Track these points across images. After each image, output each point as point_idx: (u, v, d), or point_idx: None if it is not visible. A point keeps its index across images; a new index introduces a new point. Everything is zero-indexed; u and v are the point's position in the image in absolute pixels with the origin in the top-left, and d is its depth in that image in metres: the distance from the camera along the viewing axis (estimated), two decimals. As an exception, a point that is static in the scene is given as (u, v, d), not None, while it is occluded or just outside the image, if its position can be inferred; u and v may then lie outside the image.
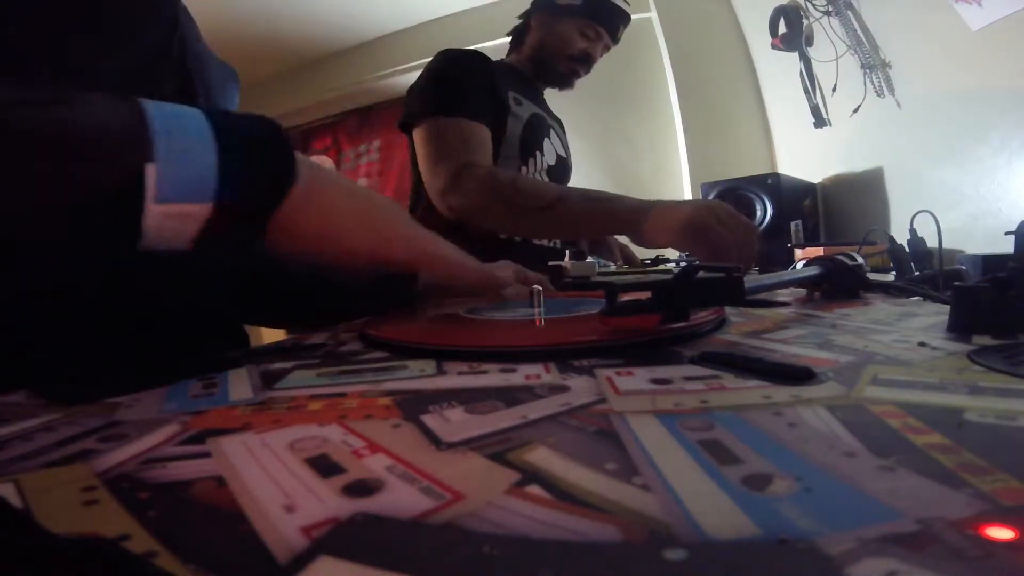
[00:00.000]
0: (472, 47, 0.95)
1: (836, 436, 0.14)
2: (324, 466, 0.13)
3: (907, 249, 0.77)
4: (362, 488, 0.12)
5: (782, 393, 0.18)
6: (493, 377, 0.22)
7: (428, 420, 0.17)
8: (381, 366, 0.25)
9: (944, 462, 0.12)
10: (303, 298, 0.51)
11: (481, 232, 0.81)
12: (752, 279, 0.34)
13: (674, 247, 0.69)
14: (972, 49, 1.23)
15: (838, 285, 0.46)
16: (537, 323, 0.33)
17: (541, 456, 0.13)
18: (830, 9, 1.55)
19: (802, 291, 0.49)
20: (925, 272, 0.64)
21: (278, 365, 0.26)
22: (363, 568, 0.09)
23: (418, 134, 0.84)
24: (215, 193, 0.24)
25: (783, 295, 0.48)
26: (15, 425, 0.18)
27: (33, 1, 0.30)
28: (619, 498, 0.11)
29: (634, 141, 2.11)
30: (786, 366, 0.21)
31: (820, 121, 1.68)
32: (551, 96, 1.09)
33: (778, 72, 1.80)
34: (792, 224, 1.49)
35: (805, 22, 1.64)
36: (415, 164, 0.88)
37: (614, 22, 1.00)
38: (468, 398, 0.19)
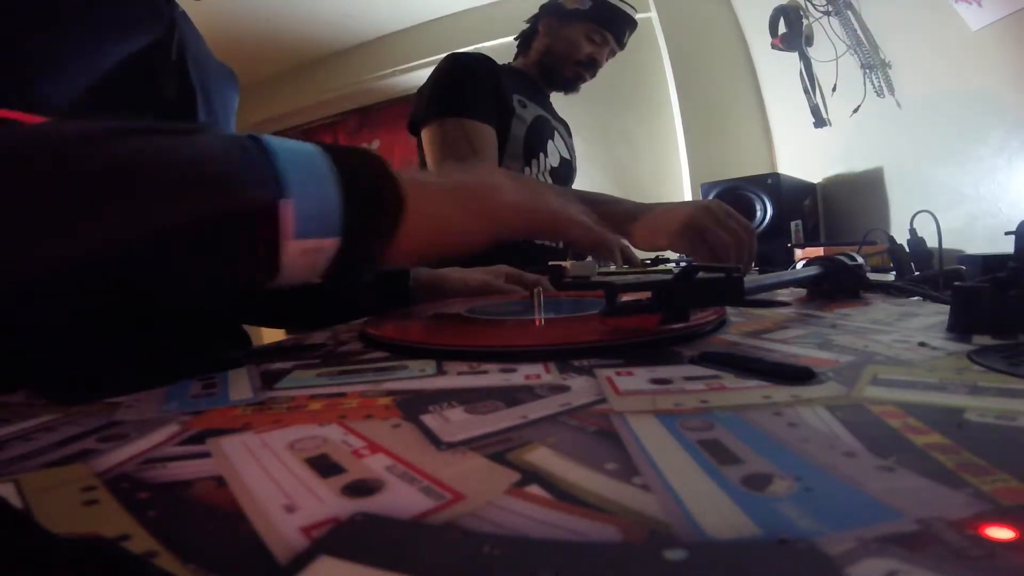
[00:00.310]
0: (473, 47, 0.97)
1: (836, 436, 0.14)
2: (324, 466, 0.13)
3: (907, 249, 0.77)
4: (362, 488, 0.12)
5: (782, 393, 0.18)
6: (493, 377, 0.22)
7: (428, 420, 0.17)
8: (381, 366, 0.25)
9: (944, 462, 0.12)
10: (302, 299, 0.51)
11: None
12: (752, 279, 0.34)
13: (672, 249, 0.69)
14: (972, 49, 1.23)
15: (838, 285, 0.45)
16: (537, 323, 0.33)
17: (541, 456, 0.13)
18: (830, 9, 1.55)
19: (802, 291, 0.49)
20: (925, 272, 0.64)
21: (278, 365, 0.26)
22: (363, 568, 0.09)
23: (425, 135, 0.87)
24: (340, 226, 0.25)
25: (783, 295, 0.48)
26: (15, 425, 0.18)
27: (33, 1, 0.30)
28: (619, 498, 0.11)
29: (634, 141, 2.11)
30: (786, 366, 0.21)
31: (820, 121, 1.68)
32: (554, 98, 1.10)
33: (778, 72, 1.80)
34: (792, 224, 1.49)
35: (805, 22, 1.64)
36: (424, 165, 0.91)
37: (621, 28, 1.02)
38: (468, 398, 0.19)
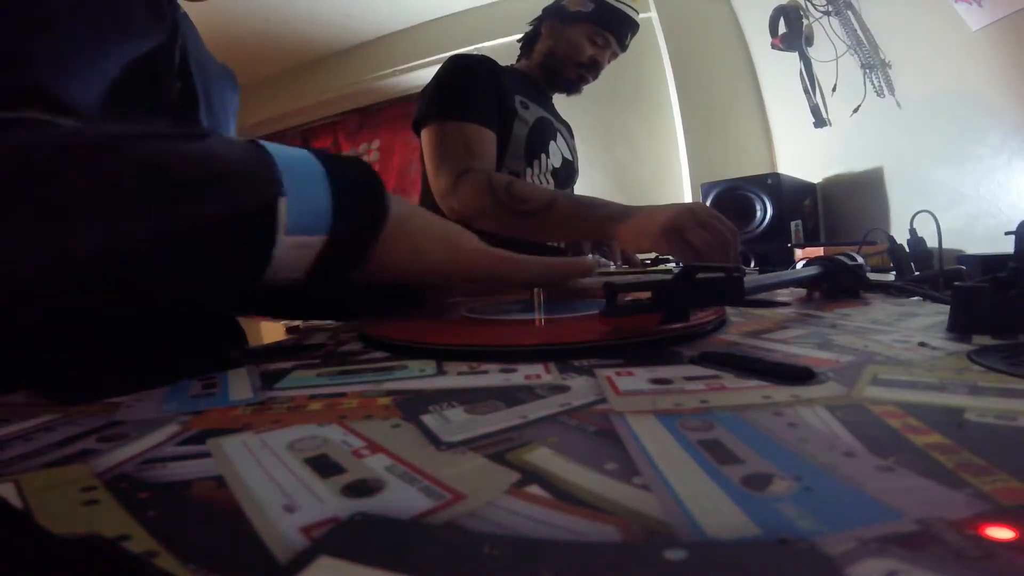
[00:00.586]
0: (473, 47, 0.98)
1: (836, 436, 0.14)
2: (324, 466, 0.13)
3: (907, 249, 0.77)
4: (362, 488, 0.12)
5: (782, 393, 0.18)
6: (493, 377, 0.22)
7: (428, 420, 0.17)
8: (381, 366, 0.25)
9: (944, 462, 0.12)
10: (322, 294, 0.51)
11: (485, 232, 0.83)
12: (752, 279, 0.34)
13: (655, 250, 0.70)
14: (972, 49, 1.23)
15: (838, 285, 0.46)
16: (537, 323, 0.33)
17: (541, 456, 0.13)
18: (830, 9, 1.55)
19: (802, 291, 0.49)
20: (925, 272, 0.64)
21: (278, 365, 0.26)
22: (363, 568, 0.09)
23: (425, 136, 0.88)
24: (330, 226, 0.27)
25: (783, 295, 0.48)
26: (15, 425, 0.18)
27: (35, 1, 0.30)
28: (619, 498, 0.11)
29: (634, 141, 2.11)
30: (786, 366, 0.21)
31: (820, 121, 1.68)
32: (555, 98, 1.10)
33: (778, 72, 1.80)
34: (792, 224, 1.49)
35: (805, 22, 1.64)
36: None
37: (623, 30, 1.03)
38: (468, 398, 0.19)
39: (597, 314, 0.29)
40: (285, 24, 2.45)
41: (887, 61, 1.46)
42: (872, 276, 0.51)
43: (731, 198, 1.50)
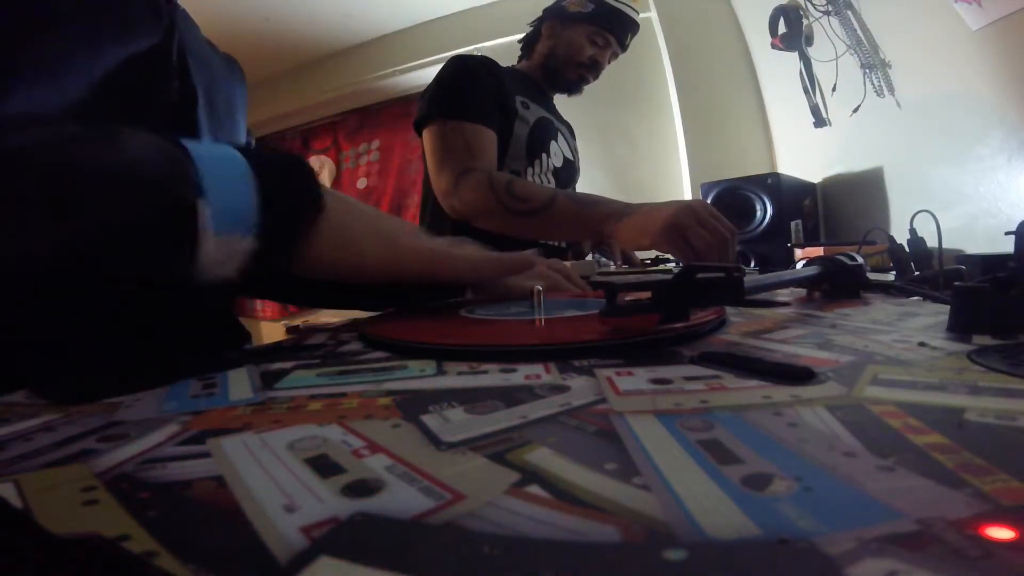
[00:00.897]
0: (473, 47, 0.99)
1: (836, 436, 0.14)
2: (324, 466, 0.13)
3: (907, 249, 0.77)
4: (362, 488, 0.12)
5: (782, 393, 0.18)
6: (493, 377, 0.22)
7: (428, 420, 0.17)
8: (381, 366, 0.25)
9: (944, 462, 0.12)
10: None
11: (485, 231, 0.83)
12: (752, 279, 0.34)
13: (655, 248, 0.70)
14: (972, 49, 1.23)
15: (838, 285, 0.46)
16: (537, 323, 0.33)
17: (541, 456, 0.13)
18: (830, 9, 1.55)
19: (802, 291, 0.49)
20: (925, 272, 0.64)
21: (278, 365, 0.26)
22: (363, 568, 0.09)
23: (426, 136, 0.88)
24: (257, 225, 0.27)
25: (783, 295, 0.48)
26: (15, 425, 0.17)
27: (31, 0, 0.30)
28: (619, 498, 0.11)
29: (634, 141, 2.11)
30: (786, 366, 0.21)
31: (820, 121, 1.68)
32: (555, 99, 1.10)
33: (778, 72, 1.80)
34: (792, 224, 1.49)
35: (805, 22, 1.64)
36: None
37: (623, 30, 1.03)
38: (468, 398, 0.19)
39: (597, 314, 0.29)
40: (285, 24, 2.45)
41: (887, 61, 1.46)
42: (872, 276, 0.51)
43: (731, 198, 1.50)
